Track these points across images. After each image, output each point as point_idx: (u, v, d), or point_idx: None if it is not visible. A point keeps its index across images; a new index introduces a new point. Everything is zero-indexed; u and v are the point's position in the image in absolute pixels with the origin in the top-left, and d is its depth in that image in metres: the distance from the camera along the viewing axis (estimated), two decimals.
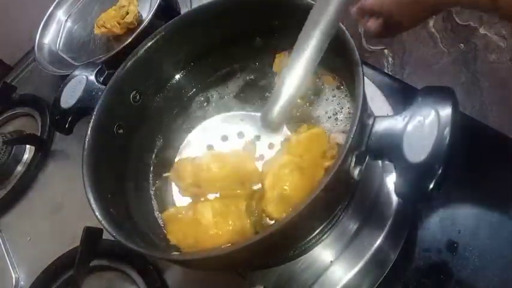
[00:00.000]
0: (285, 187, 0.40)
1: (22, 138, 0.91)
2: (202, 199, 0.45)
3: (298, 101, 0.50)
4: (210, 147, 0.50)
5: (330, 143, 0.44)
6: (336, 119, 0.49)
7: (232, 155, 0.44)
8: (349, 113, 0.48)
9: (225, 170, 0.43)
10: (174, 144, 0.58)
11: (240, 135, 0.50)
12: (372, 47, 1.58)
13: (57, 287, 0.68)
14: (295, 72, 0.43)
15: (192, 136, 0.52)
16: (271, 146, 0.47)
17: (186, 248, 0.42)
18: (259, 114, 0.48)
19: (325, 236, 0.48)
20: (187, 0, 0.92)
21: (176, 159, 0.51)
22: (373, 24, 0.53)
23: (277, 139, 0.47)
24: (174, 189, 0.53)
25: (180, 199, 0.51)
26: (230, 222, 0.41)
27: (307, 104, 0.52)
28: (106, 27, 0.88)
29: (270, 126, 0.47)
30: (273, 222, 0.40)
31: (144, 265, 0.60)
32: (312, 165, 0.41)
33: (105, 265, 0.65)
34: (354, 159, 0.36)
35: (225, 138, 0.50)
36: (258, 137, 0.48)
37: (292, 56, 0.43)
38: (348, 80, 0.49)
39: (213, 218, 0.41)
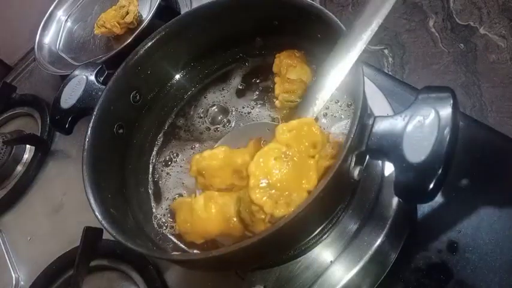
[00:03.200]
0: (269, 174, 0.39)
1: (22, 138, 0.91)
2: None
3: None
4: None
5: (330, 142, 0.44)
6: (334, 116, 0.49)
7: (228, 150, 0.45)
8: (350, 109, 0.48)
9: (217, 161, 0.44)
10: (174, 144, 0.58)
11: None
12: (371, 47, 1.58)
13: (57, 287, 0.68)
14: (325, 91, 0.41)
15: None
16: None
17: (185, 233, 0.43)
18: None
19: (325, 236, 0.48)
20: (187, 0, 0.92)
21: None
22: None
23: None
24: (174, 189, 0.54)
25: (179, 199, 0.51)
26: (218, 208, 0.42)
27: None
28: (106, 27, 0.88)
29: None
30: (257, 208, 0.38)
31: (144, 265, 0.60)
32: (299, 154, 0.40)
33: (105, 265, 0.65)
34: (354, 159, 0.36)
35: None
36: None
37: (321, 72, 0.41)
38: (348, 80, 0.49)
39: (204, 203, 0.42)
